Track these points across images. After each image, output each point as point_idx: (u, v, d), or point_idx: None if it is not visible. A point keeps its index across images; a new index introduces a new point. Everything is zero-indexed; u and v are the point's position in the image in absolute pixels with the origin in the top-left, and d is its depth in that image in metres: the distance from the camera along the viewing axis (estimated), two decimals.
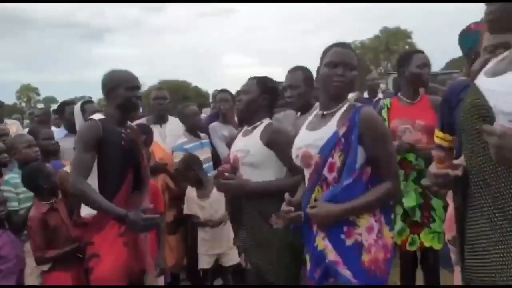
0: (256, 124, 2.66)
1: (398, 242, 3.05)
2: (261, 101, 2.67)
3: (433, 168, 1.60)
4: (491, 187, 1.39)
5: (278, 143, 2.53)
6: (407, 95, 3.19)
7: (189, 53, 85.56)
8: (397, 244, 3.06)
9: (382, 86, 8.46)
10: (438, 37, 59.81)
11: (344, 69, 2.02)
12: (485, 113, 1.38)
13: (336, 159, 1.95)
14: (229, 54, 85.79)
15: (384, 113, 3.17)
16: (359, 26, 70.23)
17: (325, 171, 1.97)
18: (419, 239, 3.04)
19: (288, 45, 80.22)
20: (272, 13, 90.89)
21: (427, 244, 3.02)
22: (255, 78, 2.75)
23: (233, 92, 4.67)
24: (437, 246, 3.03)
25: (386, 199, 2.03)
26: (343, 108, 2.05)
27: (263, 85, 2.69)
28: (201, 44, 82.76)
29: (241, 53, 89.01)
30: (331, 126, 2.01)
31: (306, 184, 2.09)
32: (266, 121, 2.67)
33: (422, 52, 3.24)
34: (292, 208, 2.08)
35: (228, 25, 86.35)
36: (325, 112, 2.09)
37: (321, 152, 1.98)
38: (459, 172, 1.48)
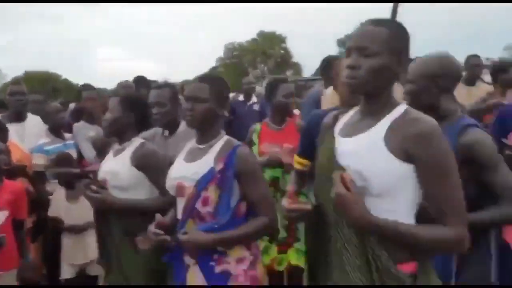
0: (126, 143, 2.60)
1: (266, 261, 3.15)
2: (125, 120, 2.59)
3: (285, 202, 1.70)
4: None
5: (150, 166, 2.50)
6: (274, 121, 3.39)
7: (59, 43, 79.84)
8: (265, 264, 3.15)
9: (258, 88, 8.68)
10: (309, 44, 63.53)
11: (193, 103, 2.05)
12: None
13: (211, 194, 1.96)
14: (104, 47, 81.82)
15: (255, 137, 3.35)
16: (237, 28, 71.60)
17: (198, 205, 1.98)
18: (287, 258, 3.16)
19: (168, 41, 78.93)
20: (151, 8, 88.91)
21: (293, 262, 3.14)
22: (118, 97, 2.70)
23: (110, 87, 4.47)
24: (303, 265, 3.15)
25: (262, 233, 2.11)
26: (221, 143, 2.08)
27: (126, 103, 2.62)
28: (73, 34, 77.70)
29: (117, 46, 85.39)
30: (208, 161, 2.02)
31: (179, 215, 2.08)
32: (137, 140, 2.61)
33: (287, 81, 3.49)
34: (162, 232, 2.05)
35: (104, 17, 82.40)
36: (201, 147, 2.10)
37: (196, 185, 1.98)
38: (309, 206, 1.61)
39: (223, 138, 2.10)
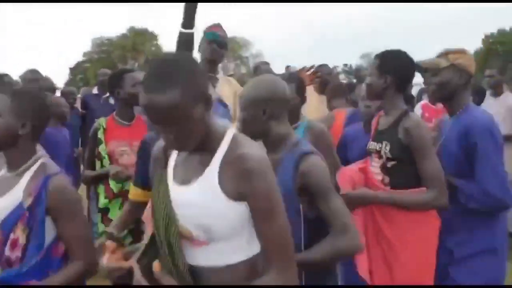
0: None
1: None
2: None
3: (105, 260, 1.48)
4: None
5: None
6: (123, 116, 3.13)
7: None
8: None
9: None
10: None
11: None
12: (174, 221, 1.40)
13: (19, 235, 1.69)
14: None
15: (100, 134, 3.06)
16: (106, 22, 68.48)
17: (7, 250, 1.70)
18: None
19: (35, 31, 72.54)
20: None
21: None
22: None
23: None
24: None
25: (78, 281, 1.81)
26: (32, 170, 1.77)
27: None
28: None
29: None
30: (17, 195, 1.73)
31: None
32: None
33: (132, 70, 3.25)
34: None
35: None
36: (9, 175, 1.79)
37: (2, 227, 1.70)
38: (132, 263, 1.42)
39: (37, 164, 1.80)
